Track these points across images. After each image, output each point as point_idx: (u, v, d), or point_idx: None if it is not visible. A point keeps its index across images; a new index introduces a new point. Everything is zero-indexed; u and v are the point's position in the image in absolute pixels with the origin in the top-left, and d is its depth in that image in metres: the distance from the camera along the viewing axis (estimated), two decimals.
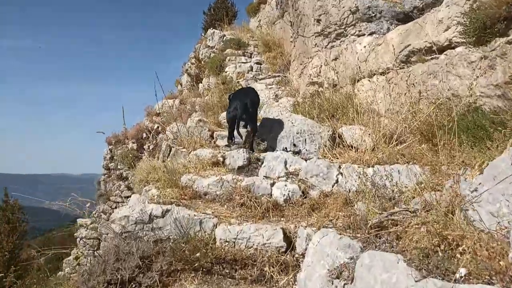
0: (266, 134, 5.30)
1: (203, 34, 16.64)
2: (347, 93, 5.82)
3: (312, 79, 7.13)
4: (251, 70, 10.36)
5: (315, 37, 6.94)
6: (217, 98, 9.30)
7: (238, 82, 9.72)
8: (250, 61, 10.82)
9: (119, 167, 13.16)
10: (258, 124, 5.36)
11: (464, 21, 3.84)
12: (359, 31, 5.95)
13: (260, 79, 9.62)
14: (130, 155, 13.05)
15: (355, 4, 5.79)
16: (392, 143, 3.88)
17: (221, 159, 4.86)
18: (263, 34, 11.90)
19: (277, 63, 10.31)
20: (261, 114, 7.30)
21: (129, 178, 12.77)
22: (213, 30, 12.63)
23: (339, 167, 3.82)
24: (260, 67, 10.45)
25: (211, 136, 6.17)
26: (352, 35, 6.09)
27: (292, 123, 5.03)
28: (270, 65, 10.48)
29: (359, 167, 3.59)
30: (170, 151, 6.05)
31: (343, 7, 6.06)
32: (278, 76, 9.56)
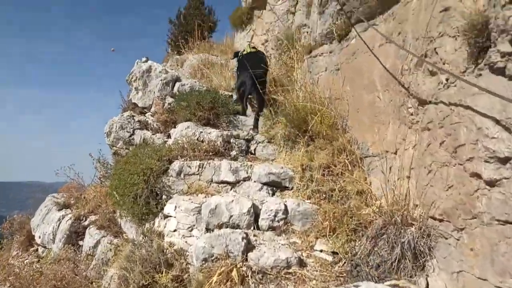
0: None
1: (168, 51, 10.55)
2: None
3: None
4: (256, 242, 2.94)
5: None
6: None
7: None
8: (259, 191, 3.40)
9: None
10: None
11: None
12: None
13: None
14: None
15: None
16: None
17: None
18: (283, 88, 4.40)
19: (338, 204, 2.94)
20: None
21: None
22: (150, 62, 4.94)
23: None
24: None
25: None
26: None
27: None
28: (319, 209, 3.08)
29: None
30: None
31: None
32: None
